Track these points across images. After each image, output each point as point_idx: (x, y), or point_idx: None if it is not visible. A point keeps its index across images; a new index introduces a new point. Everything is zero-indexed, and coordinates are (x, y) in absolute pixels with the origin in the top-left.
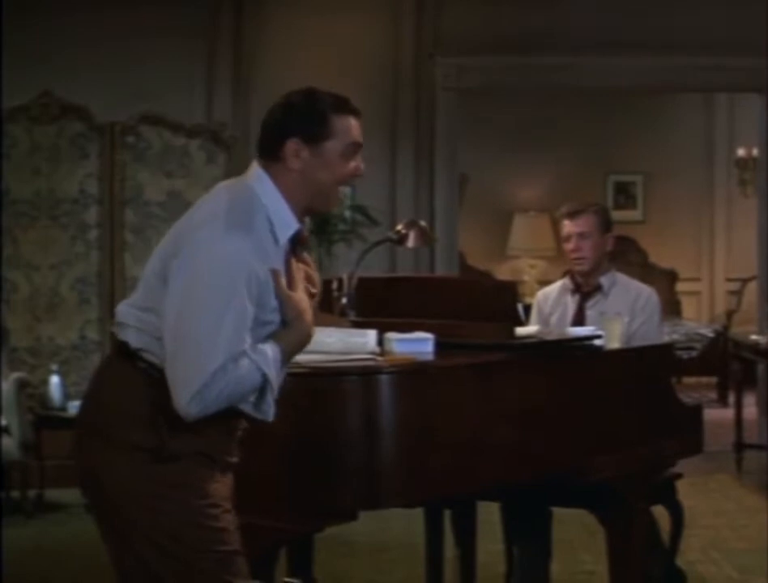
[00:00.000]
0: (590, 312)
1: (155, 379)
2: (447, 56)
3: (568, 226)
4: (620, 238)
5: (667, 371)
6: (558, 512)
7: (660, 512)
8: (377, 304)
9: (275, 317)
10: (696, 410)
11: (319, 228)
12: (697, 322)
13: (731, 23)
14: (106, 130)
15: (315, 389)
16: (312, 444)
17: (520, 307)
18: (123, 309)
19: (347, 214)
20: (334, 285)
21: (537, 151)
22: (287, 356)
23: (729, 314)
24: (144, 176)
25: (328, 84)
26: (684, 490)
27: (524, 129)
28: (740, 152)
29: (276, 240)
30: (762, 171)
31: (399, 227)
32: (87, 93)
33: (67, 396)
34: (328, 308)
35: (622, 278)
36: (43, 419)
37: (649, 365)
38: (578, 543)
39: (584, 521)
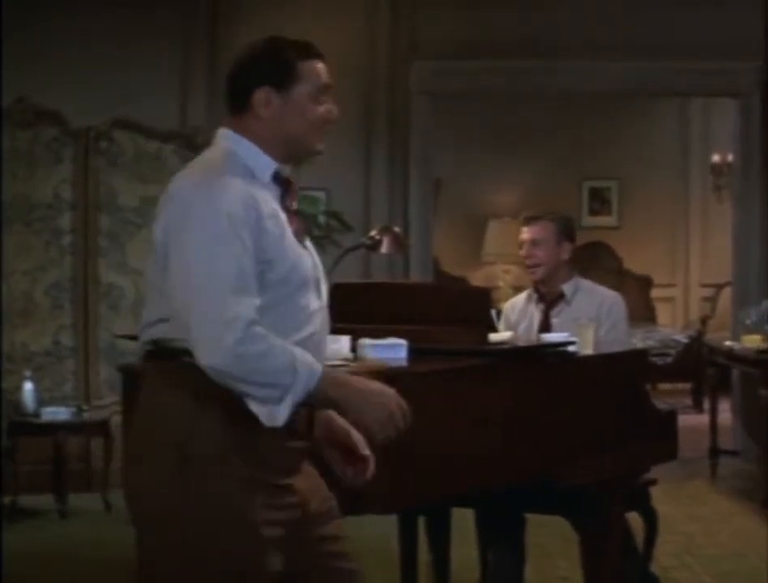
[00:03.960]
0: (555, 321)
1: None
2: (422, 60)
3: (523, 232)
4: (595, 244)
5: (642, 377)
6: (533, 517)
7: (634, 519)
8: (351, 310)
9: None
10: (670, 416)
11: None
12: (671, 328)
13: (706, 27)
14: (80, 136)
15: None
16: None
17: (493, 313)
18: (149, 327)
19: (322, 219)
20: None
21: (512, 157)
22: (326, 387)
23: (704, 320)
24: (118, 182)
25: None
26: (658, 496)
27: (499, 134)
28: (715, 158)
29: (259, 180)
30: (737, 177)
31: (373, 232)
32: (62, 98)
33: (41, 402)
34: None
35: (586, 284)
36: (16, 425)
37: (623, 371)
38: (553, 549)
39: (559, 527)
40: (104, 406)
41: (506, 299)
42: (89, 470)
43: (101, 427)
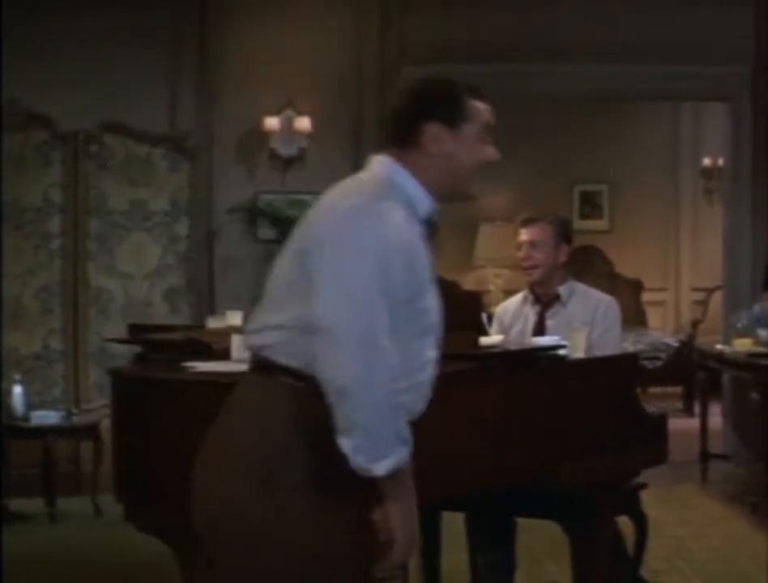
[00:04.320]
0: (550, 323)
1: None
2: (411, 64)
3: (521, 234)
4: (586, 248)
5: (632, 380)
6: (523, 521)
7: (625, 523)
8: None
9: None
10: (660, 420)
11: (284, 238)
12: (662, 332)
13: (697, 31)
14: (70, 139)
15: None
16: None
17: (484, 317)
18: (255, 333)
19: None
20: None
21: (503, 161)
22: (400, 481)
23: (695, 324)
24: (108, 185)
25: (292, 93)
26: (648, 500)
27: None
28: (706, 161)
29: (416, 215)
30: (727, 180)
31: None
32: (51, 101)
33: (30, 406)
34: None
35: (581, 287)
36: (6, 428)
37: (613, 375)
38: (543, 553)
39: (549, 531)
40: (93, 410)
41: (497, 303)
42: (79, 474)
43: (91, 431)
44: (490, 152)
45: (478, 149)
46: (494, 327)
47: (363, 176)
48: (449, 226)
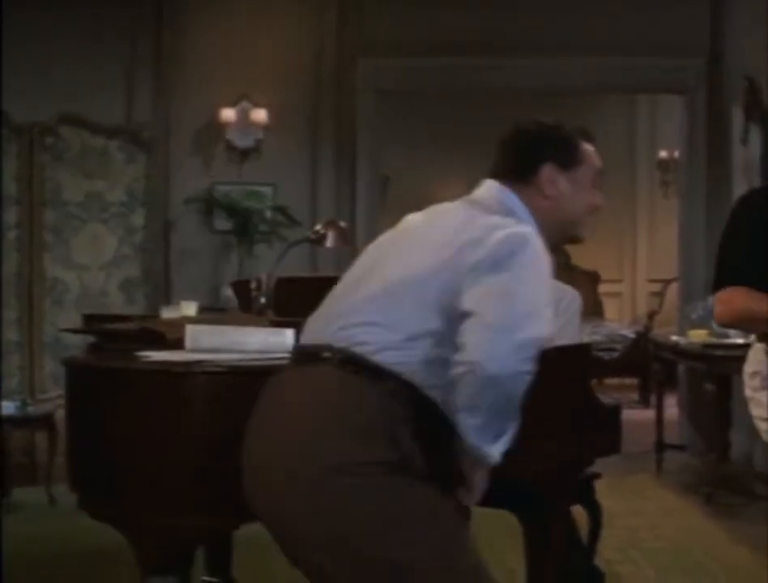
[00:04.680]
0: None
1: (389, 389)
2: (369, 57)
3: None
4: None
5: (586, 371)
6: (479, 510)
7: (579, 512)
8: (297, 304)
9: None
10: (614, 410)
11: (240, 229)
12: (618, 323)
13: (653, 25)
14: (25, 131)
15: (233, 388)
16: (230, 443)
17: None
18: (352, 327)
19: (268, 214)
20: (253, 285)
21: (460, 153)
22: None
23: (651, 315)
24: (64, 177)
25: (250, 85)
26: (603, 490)
27: (446, 130)
28: (662, 154)
29: None
30: (683, 173)
31: (318, 227)
32: (7, 94)
33: None
34: (247, 308)
35: None
36: None
37: (567, 365)
38: (501, 542)
39: (505, 520)
40: (48, 400)
41: None
42: (33, 464)
43: (46, 421)
44: (599, 198)
45: (590, 193)
46: None
47: (490, 201)
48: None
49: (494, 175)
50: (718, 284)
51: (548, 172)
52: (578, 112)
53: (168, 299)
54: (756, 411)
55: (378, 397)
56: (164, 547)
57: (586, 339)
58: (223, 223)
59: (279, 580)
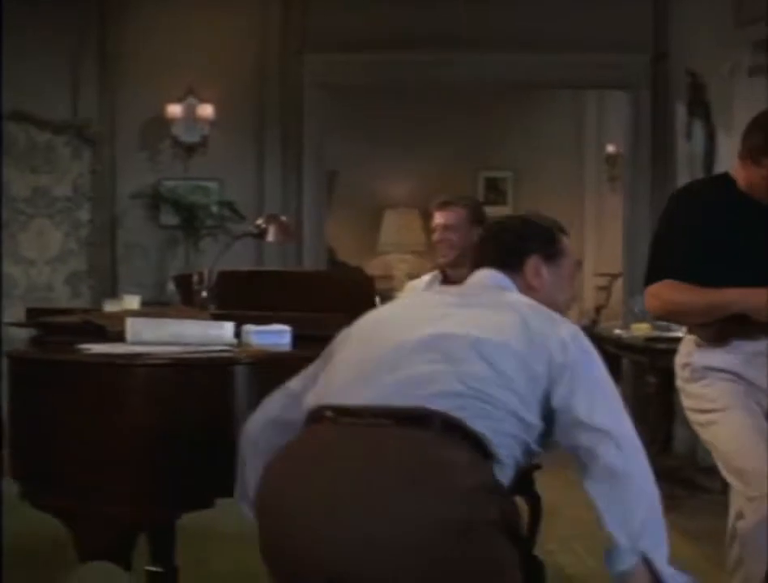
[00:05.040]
0: None
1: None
2: (314, 52)
3: (436, 217)
4: None
5: None
6: None
7: (519, 503)
8: (239, 298)
9: None
10: None
11: (186, 224)
12: (566, 317)
13: (599, 21)
14: None
15: (173, 380)
16: (170, 434)
17: (378, 300)
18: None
19: (215, 209)
20: (195, 279)
21: (408, 147)
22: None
23: (598, 309)
24: (10, 172)
25: (196, 81)
26: (546, 481)
27: (395, 125)
28: (610, 149)
29: None
30: (627, 168)
31: (260, 221)
32: None
33: None
34: (189, 302)
35: None
36: None
37: None
38: None
39: None
40: None
41: (402, 288)
42: None
43: None
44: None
45: (570, 284)
46: None
47: (513, 294)
48: (353, 212)
49: (486, 263)
50: (651, 277)
51: (532, 263)
52: (526, 107)
53: (114, 293)
54: (687, 402)
55: (482, 461)
56: (104, 537)
57: None
58: (169, 218)
59: (220, 567)
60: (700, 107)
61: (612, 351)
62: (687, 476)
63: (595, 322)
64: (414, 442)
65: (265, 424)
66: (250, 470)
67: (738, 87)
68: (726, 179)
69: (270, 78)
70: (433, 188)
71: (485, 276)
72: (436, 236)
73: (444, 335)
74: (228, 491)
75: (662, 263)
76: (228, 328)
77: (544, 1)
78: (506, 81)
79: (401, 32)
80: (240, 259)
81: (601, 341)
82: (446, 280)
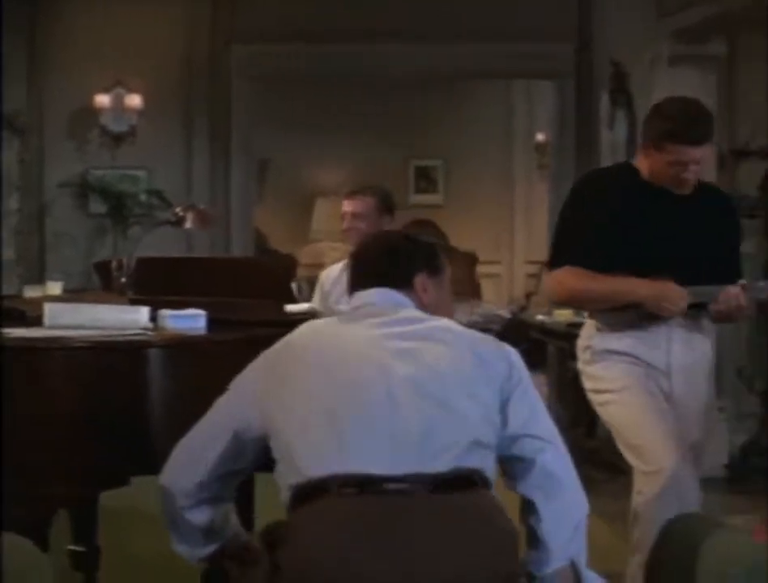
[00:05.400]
0: None
1: None
2: (241, 43)
3: (345, 205)
4: (422, 221)
5: None
6: None
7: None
8: (160, 284)
9: None
10: None
11: (115, 212)
12: (496, 304)
13: (525, 11)
14: None
15: (91, 363)
16: (89, 415)
17: (294, 285)
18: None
19: (143, 197)
20: (114, 265)
21: (340, 137)
22: None
23: (528, 296)
24: None
25: (124, 71)
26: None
27: (326, 114)
28: (539, 137)
29: None
30: (553, 156)
31: (178, 209)
32: None
33: None
34: (109, 288)
35: None
36: None
37: None
38: None
39: None
40: None
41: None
42: None
43: None
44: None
45: (450, 297)
46: (316, 293)
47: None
48: (285, 200)
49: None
50: (554, 262)
51: (420, 280)
52: (456, 96)
53: (41, 281)
54: (587, 384)
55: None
56: (26, 515)
57: (464, 320)
58: (98, 206)
59: (142, 547)
60: (622, 96)
61: (537, 337)
62: (609, 459)
63: (523, 308)
64: (477, 508)
65: (199, 485)
66: (190, 517)
67: (659, 76)
68: (629, 168)
69: (198, 69)
70: (365, 176)
71: (386, 295)
72: (345, 225)
73: (422, 379)
74: (143, 469)
75: (565, 249)
76: (143, 312)
77: None
78: (436, 71)
79: (328, 24)
80: (168, 247)
81: (527, 327)
82: None
